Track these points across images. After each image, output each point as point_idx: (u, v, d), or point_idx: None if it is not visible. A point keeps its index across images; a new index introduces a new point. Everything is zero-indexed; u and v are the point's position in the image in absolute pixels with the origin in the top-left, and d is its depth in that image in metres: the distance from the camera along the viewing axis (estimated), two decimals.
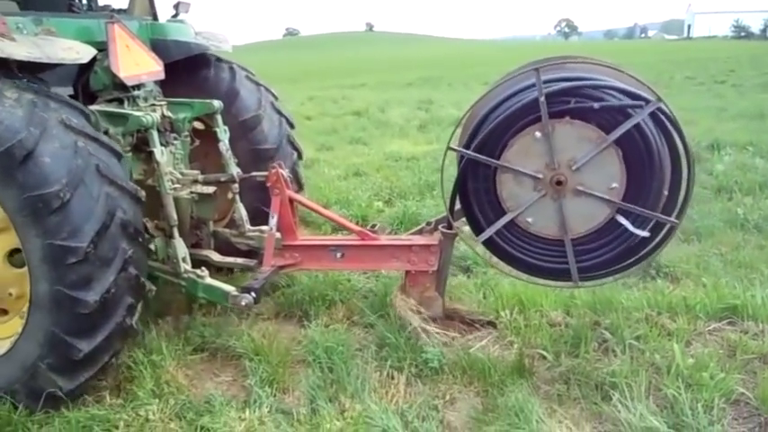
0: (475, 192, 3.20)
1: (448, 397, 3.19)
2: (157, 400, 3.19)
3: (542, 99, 2.86)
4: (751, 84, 22.80)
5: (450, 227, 3.47)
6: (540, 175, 3.01)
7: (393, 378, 3.30)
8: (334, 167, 9.01)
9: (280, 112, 4.66)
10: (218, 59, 4.63)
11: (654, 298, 3.87)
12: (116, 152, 3.15)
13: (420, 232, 3.72)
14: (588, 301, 3.88)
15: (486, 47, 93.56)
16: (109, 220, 2.91)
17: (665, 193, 2.99)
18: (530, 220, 3.11)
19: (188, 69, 4.45)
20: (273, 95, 4.70)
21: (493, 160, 3.07)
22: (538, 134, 2.96)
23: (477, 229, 3.26)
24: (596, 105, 2.87)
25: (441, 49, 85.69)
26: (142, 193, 3.23)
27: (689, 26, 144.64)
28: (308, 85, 29.84)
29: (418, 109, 16.78)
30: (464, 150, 3.10)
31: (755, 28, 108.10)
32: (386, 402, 3.09)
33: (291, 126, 4.76)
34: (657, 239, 3.10)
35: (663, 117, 2.88)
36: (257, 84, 4.65)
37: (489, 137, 3.05)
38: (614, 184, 2.96)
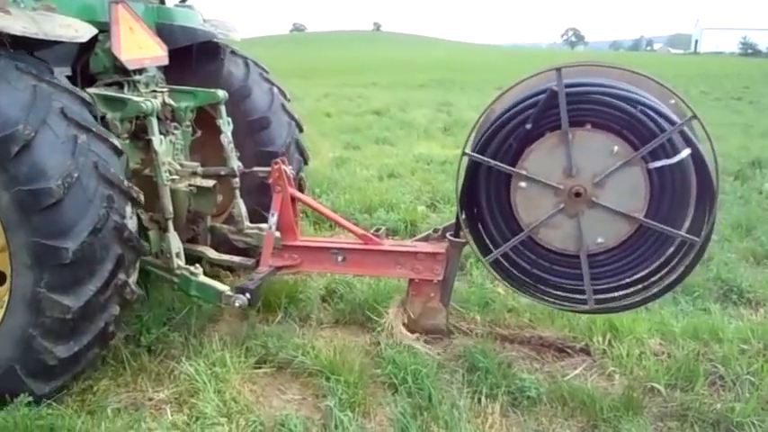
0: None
1: (551, 430, 2.87)
2: (226, 420, 2.88)
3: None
4: None
5: (457, 235, 3.26)
6: (561, 186, 2.82)
7: (486, 406, 2.98)
8: (365, 167, 8.68)
9: (290, 115, 4.47)
10: (233, 52, 4.41)
11: (758, 329, 3.55)
12: (117, 149, 2.96)
13: (426, 239, 3.54)
14: (687, 330, 3.57)
15: (494, 52, 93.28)
16: (102, 223, 2.73)
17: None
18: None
19: (198, 58, 4.23)
20: (285, 96, 4.50)
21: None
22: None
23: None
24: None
25: (448, 52, 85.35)
26: (140, 196, 3.05)
27: (696, 41, 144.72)
28: (318, 81, 29.46)
29: (439, 111, 16.48)
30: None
31: (763, 46, 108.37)
32: None
33: (300, 129, 4.58)
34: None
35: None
36: (270, 83, 4.45)
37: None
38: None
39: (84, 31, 3.10)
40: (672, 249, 2.87)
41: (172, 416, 2.95)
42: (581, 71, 2.88)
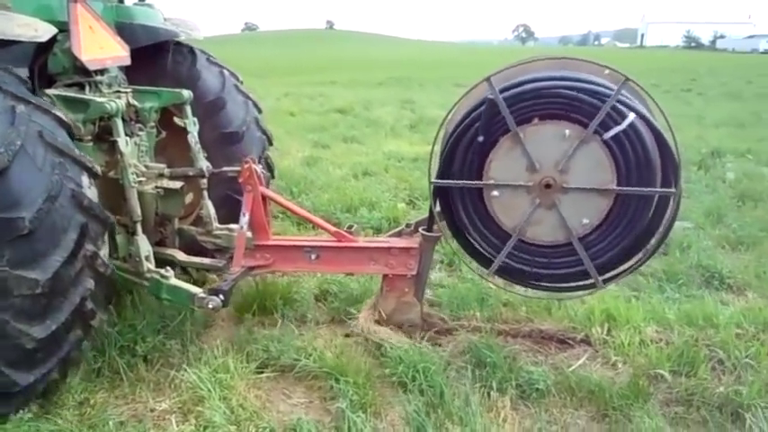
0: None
1: (562, 422, 2.90)
2: (235, 427, 2.81)
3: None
4: (715, 93, 23.60)
5: (430, 229, 3.29)
6: (531, 183, 2.91)
7: (497, 400, 2.98)
8: (338, 166, 8.63)
9: (245, 95, 4.41)
10: (177, 44, 4.30)
11: (749, 314, 3.66)
12: (62, 121, 2.85)
13: (399, 234, 3.55)
14: (681, 317, 3.66)
15: (448, 49, 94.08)
16: (57, 190, 2.61)
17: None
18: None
19: (150, 57, 4.12)
20: (237, 78, 4.43)
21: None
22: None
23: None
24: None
25: (404, 49, 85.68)
26: (96, 166, 2.94)
27: (642, 35, 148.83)
28: (276, 80, 29.12)
29: (402, 108, 16.49)
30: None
31: (705, 39, 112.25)
32: (498, 428, 2.78)
33: (259, 110, 4.52)
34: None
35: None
36: (220, 66, 4.38)
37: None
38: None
39: (44, 31, 3.02)
40: (653, 209, 2.92)
41: (177, 426, 2.87)
42: (509, 74, 2.97)
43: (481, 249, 3.20)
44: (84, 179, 2.82)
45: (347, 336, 3.65)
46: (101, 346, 3.37)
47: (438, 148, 3.17)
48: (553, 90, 2.79)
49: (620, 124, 2.74)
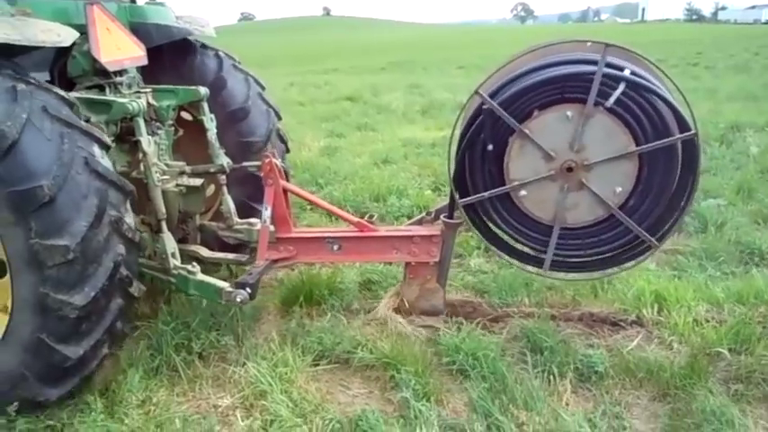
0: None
1: (623, 403, 2.91)
2: (302, 420, 2.84)
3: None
4: (723, 65, 23.34)
5: (452, 216, 3.31)
6: (552, 171, 2.93)
7: (558, 385, 3.00)
8: (357, 155, 8.63)
9: (268, 103, 4.45)
10: (203, 46, 4.37)
11: None
12: (105, 144, 2.90)
13: (420, 222, 3.59)
14: (731, 295, 3.67)
15: (445, 31, 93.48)
16: (99, 217, 2.68)
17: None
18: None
19: (171, 56, 4.19)
20: (260, 85, 4.47)
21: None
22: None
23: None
24: None
25: (401, 33, 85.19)
26: (134, 190, 3.02)
27: (643, 9, 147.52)
28: (278, 70, 29.03)
29: (411, 94, 16.42)
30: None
31: (707, 11, 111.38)
32: (563, 411, 2.80)
33: (279, 117, 4.55)
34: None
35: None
36: (245, 73, 4.42)
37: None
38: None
39: (66, 36, 3.04)
40: (680, 158, 2.90)
41: (243, 421, 2.90)
42: (495, 78, 3.00)
43: (530, 251, 3.23)
44: (96, 149, 2.82)
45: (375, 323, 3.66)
46: (157, 345, 3.41)
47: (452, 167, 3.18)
48: (542, 79, 2.81)
49: (617, 88, 2.74)
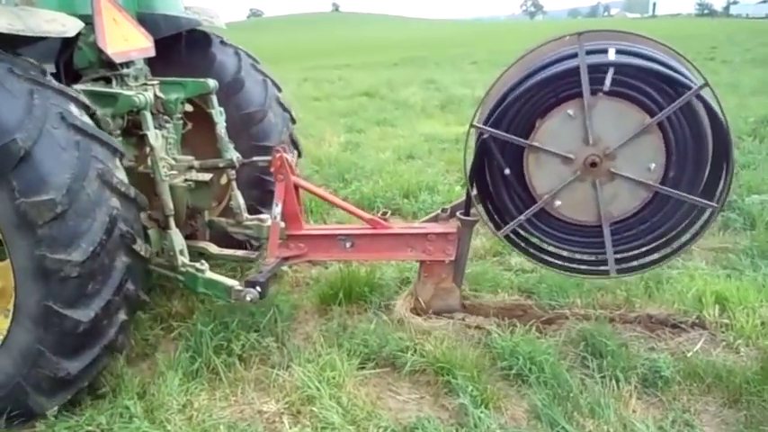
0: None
1: (693, 410, 2.75)
2: (354, 428, 2.69)
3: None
4: (740, 60, 23.01)
5: (468, 213, 3.22)
6: (579, 172, 2.86)
7: (622, 390, 2.84)
8: (380, 150, 8.47)
9: (284, 107, 4.36)
10: (223, 42, 4.26)
11: None
12: (119, 153, 2.83)
13: (435, 219, 3.50)
14: None
15: (455, 27, 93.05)
16: (109, 231, 2.62)
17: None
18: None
19: (188, 50, 4.08)
20: (278, 88, 4.37)
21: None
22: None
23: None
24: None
25: (410, 29, 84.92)
26: (144, 200, 2.97)
27: (654, 4, 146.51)
28: (290, 66, 28.91)
29: (427, 89, 16.23)
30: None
31: (718, 5, 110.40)
32: (632, 418, 2.64)
33: (293, 122, 4.46)
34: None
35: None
36: (264, 75, 4.30)
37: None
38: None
39: (71, 26, 2.96)
40: (702, 113, 2.77)
41: (291, 428, 2.76)
42: (487, 102, 3.00)
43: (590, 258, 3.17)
44: (134, 216, 2.81)
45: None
46: (195, 346, 3.27)
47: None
48: (527, 91, 2.81)
49: (606, 73, 2.69)
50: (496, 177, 3.04)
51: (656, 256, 3.07)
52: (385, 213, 3.52)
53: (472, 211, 3.24)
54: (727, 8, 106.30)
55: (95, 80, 3.44)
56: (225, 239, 3.96)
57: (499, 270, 4.22)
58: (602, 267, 3.07)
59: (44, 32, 2.77)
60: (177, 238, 3.38)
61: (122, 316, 2.80)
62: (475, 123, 2.96)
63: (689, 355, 3.08)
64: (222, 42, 4.26)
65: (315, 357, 3.13)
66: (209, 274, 3.35)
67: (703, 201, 2.85)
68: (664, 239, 3.02)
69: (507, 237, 3.12)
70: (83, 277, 2.53)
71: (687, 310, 3.42)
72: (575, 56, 2.72)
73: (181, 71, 3.82)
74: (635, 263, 3.07)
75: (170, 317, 3.78)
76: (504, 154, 2.95)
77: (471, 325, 3.39)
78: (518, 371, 2.96)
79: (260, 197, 4.16)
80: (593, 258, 3.11)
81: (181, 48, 4.07)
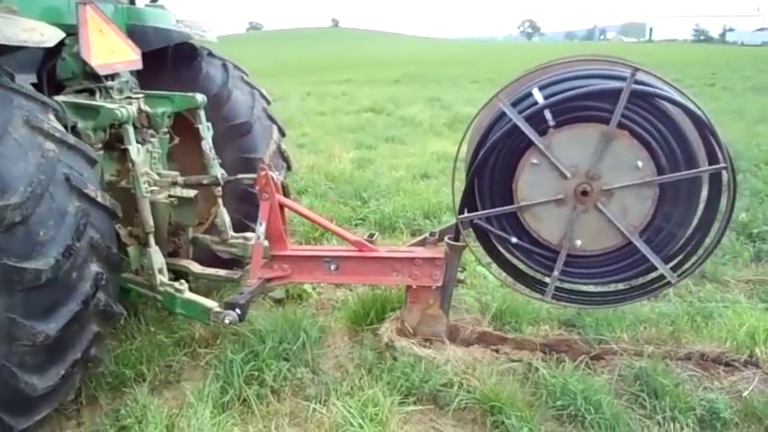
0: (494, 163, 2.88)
1: None
2: None
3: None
4: (741, 87, 23.07)
5: (457, 238, 3.13)
6: (569, 175, 2.74)
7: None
8: (393, 168, 8.36)
9: (273, 119, 4.30)
10: (210, 54, 4.20)
11: None
12: (91, 159, 2.69)
13: (423, 243, 3.39)
14: None
15: (454, 46, 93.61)
16: (78, 239, 2.46)
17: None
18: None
19: (175, 62, 4.02)
20: (267, 100, 4.30)
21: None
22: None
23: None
24: None
25: (410, 46, 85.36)
26: (118, 209, 2.80)
27: (651, 29, 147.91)
28: (291, 79, 28.91)
29: (432, 107, 16.17)
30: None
31: (714, 32, 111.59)
32: None
33: (283, 134, 4.40)
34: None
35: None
36: (251, 86, 4.25)
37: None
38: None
39: (51, 36, 2.83)
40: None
41: None
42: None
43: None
44: (105, 224, 2.68)
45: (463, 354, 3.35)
46: (226, 376, 3.10)
47: None
48: (487, 163, 2.82)
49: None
50: (510, 250, 2.98)
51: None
52: (372, 235, 3.42)
53: (461, 236, 3.16)
54: (723, 35, 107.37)
55: (79, 92, 3.36)
56: (209, 257, 3.87)
57: (537, 301, 4.05)
58: (662, 282, 2.92)
59: (21, 42, 2.67)
60: (157, 256, 3.29)
61: (94, 328, 2.65)
62: (461, 218, 2.99)
63: (744, 394, 2.93)
64: (210, 54, 4.20)
65: (353, 391, 2.96)
66: (188, 295, 3.27)
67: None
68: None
69: (554, 296, 2.98)
70: (48, 286, 2.36)
71: (740, 348, 3.28)
72: (504, 115, 2.70)
73: (167, 83, 3.76)
74: (688, 265, 2.90)
75: (193, 341, 3.61)
76: (504, 226, 2.92)
77: (515, 359, 3.22)
78: (573, 411, 2.80)
79: (248, 211, 3.98)
80: (644, 276, 2.96)
81: (167, 60, 4.01)
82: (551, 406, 2.88)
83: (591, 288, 3.16)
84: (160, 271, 3.30)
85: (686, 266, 2.87)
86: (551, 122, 2.66)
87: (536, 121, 2.68)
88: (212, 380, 3.09)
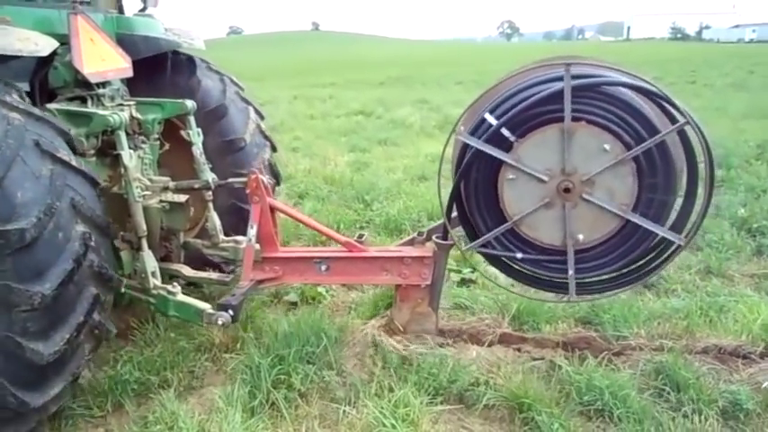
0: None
1: None
2: None
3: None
4: (721, 84, 23.41)
5: (445, 237, 3.17)
6: (546, 178, 2.76)
7: (704, 424, 2.76)
8: (390, 170, 8.41)
9: (266, 136, 4.37)
10: (209, 68, 4.29)
11: None
12: (94, 181, 2.78)
13: (411, 243, 3.44)
14: None
15: (435, 47, 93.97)
16: (79, 263, 2.53)
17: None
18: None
19: (173, 74, 4.12)
20: (261, 116, 4.38)
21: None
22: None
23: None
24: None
25: (391, 49, 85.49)
26: (113, 229, 2.93)
27: (628, 28, 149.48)
28: (275, 83, 28.87)
29: (420, 109, 16.24)
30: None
31: (691, 30, 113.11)
32: None
33: (274, 150, 4.48)
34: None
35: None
36: (247, 102, 4.32)
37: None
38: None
39: (44, 45, 2.92)
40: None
41: None
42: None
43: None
44: (105, 246, 2.76)
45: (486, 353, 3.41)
46: (253, 380, 3.12)
47: None
48: (471, 173, 2.84)
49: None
50: (521, 264, 3.02)
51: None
52: (361, 236, 3.47)
53: (449, 235, 3.18)
54: (699, 32, 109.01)
55: (71, 99, 3.41)
56: (201, 261, 3.93)
57: (552, 299, 4.11)
58: (673, 247, 2.90)
59: (16, 51, 2.73)
60: (149, 259, 3.34)
61: (92, 290, 2.70)
62: (465, 248, 3.02)
63: (765, 386, 3.01)
64: (209, 68, 4.27)
65: (382, 392, 2.99)
66: (181, 297, 3.31)
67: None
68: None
69: (578, 294, 2.98)
70: (48, 309, 2.42)
71: (755, 341, 3.36)
72: (467, 145, 2.76)
73: (165, 94, 3.81)
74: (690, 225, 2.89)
75: (213, 346, 3.62)
76: (507, 245, 2.94)
77: (537, 358, 3.28)
78: (599, 406, 2.86)
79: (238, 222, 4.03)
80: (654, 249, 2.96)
81: (166, 71, 4.08)
82: (578, 402, 2.93)
83: (608, 276, 3.17)
84: (153, 274, 3.35)
85: (689, 227, 2.86)
86: (512, 137, 2.71)
87: (497, 140, 2.73)
88: (240, 384, 3.10)
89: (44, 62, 3.27)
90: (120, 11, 4.15)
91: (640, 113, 2.63)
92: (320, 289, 4.32)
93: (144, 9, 4.32)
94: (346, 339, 3.64)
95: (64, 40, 3.23)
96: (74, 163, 2.63)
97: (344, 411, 2.94)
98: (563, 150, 2.69)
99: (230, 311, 3.08)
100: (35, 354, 2.41)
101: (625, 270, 2.96)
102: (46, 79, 3.42)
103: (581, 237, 2.83)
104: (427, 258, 3.24)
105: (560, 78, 2.62)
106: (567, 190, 2.75)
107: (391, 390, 2.98)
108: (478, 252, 3.05)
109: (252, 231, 3.24)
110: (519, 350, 3.36)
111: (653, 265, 2.98)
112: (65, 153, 2.60)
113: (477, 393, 3.02)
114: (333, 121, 14.27)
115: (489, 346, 3.41)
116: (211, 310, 3.14)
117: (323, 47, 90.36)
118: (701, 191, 2.72)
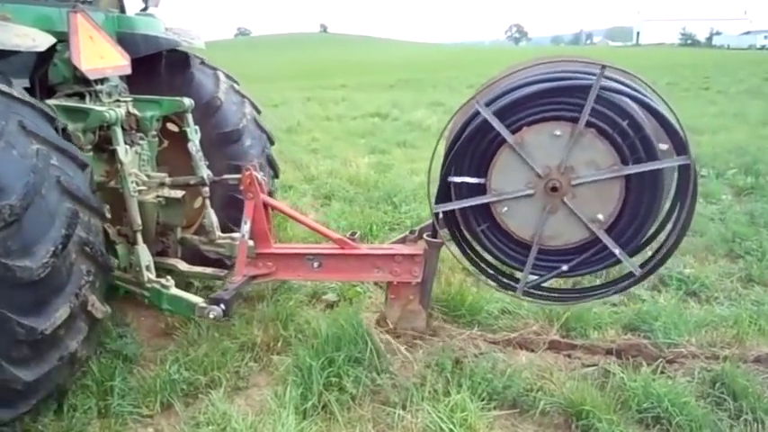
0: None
1: None
2: None
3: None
4: (735, 90, 23.24)
5: (435, 235, 3.20)
6: (541, 172, 2.75)
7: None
8: (413, 173, 8.36)
9: (262, 128, 4.46)
10: (203, 63, 4.35)
11: None
12: (82, 163, 2.82)
13: (403, 241, 3.48)
14: None
15: (444, 51, 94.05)
16: (67, 239, 2.56)
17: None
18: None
19: (168, 70, 4.18)
20: (257, 110, 4.44)
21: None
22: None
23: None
24: None
25: (400, 52, 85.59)
26: (106, 209, 2.97)
27: (638, 33, 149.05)
28: (284, 85, 28.95)
29: (435, 112, 16.21)
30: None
31: (701, 36, 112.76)
32: None
33: (271, 143, 4.55)
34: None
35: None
36: (242, 96, 4.42)
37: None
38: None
39: (42, 41, 2.96)
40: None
41: None
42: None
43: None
44: (95, 224, 2.77)
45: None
46: (304, 382, 3.11)
47: None
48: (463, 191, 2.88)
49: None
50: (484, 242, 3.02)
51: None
52: (354, 234, 3.50)
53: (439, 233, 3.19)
54: (710, 38, 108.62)
55: (69, 96, 3.47)
56: (199, 257, 3.96)
57: (599, 306, 4.06)
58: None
59: (14, 46, 2.76)
60: (144, 253, 3.40)
61: (82, 325, 2.73)
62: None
63: None
64: (202, 63, 4.32)
65: (436, 395, 2.97)
66: (174, 291, 3.38)
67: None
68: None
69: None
70: (38, 284, 2.44)
71: None
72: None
73: (160, 90, 3.86)
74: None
75: (255, 346, 3.61)
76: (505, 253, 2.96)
77: (589, 364, 3.25)
78: (657, 414, 2.83)
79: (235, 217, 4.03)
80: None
81: (161, 67, 4.14)
82: (635, 409, 2.90)
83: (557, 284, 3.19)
84: (147, 268, 3.41)
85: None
86: (511, 139, 2.71)
87: (508, 118, 2.74)
88: (291, 386, 3.08)
89: (44, 59, 3.35)
90: (122, 10, 4.22)
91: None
92: (358, 288, 4.31)
93: (145, 8, 4.41)
94: (390, 342, 3.62)
95: (64, 38, 3.28)
96: (59, 144, 2.66)
97: (399, 415, 2.91)
98: (566, 148, 2.67)
99: (222, 306, 3.13)
100: (26, 329, 2.43)
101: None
102: (46, 76, 3.49)
103: (551, 238, 2.84)
104: (418, 256, 3.28)
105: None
106: (554, 189, 2.75)
107: (446, 394, 2.96)
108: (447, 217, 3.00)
109: (245, 227, 3.28)
110: (569, 356, 3.34)
111: (607, 289, 2.99)
112: (49, 133, 2.64)
113: (531, 399, 3.00)
114: (349, 122, 14.26)
115: (538, 351, 3.37)
116: (203, 304, 3.19)
117: (331, 49, 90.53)
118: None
